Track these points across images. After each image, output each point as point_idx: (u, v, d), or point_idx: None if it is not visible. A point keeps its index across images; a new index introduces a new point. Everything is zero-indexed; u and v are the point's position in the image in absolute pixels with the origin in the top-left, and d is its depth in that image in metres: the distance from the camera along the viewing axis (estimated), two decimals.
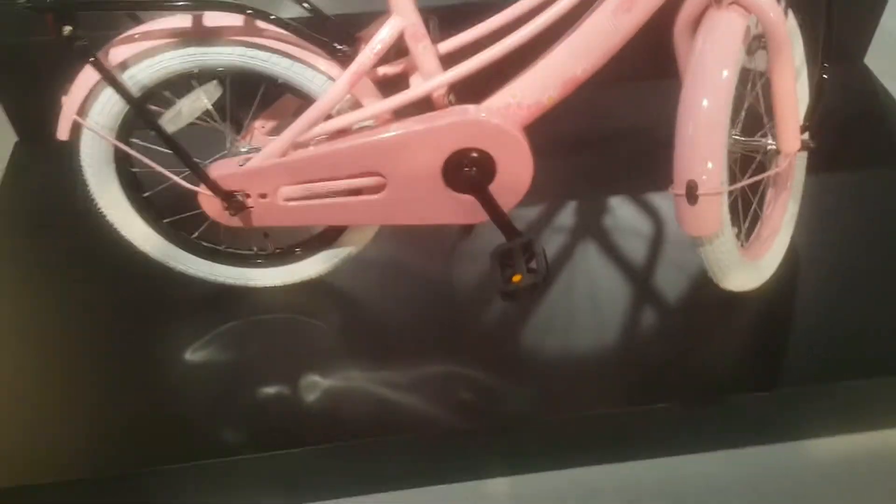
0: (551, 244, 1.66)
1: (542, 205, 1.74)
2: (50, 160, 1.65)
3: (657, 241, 1.67)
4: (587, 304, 1.56)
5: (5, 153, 1.92)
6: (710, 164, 1.22)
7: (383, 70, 1.33)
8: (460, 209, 1.37)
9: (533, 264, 1.34)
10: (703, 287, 1.47)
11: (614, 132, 1.91)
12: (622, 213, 1.73)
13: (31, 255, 1.69)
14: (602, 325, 1.52)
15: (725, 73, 1.21)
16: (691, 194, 1.22)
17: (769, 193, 1.57)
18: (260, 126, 1.41)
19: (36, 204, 1.79)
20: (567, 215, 1.73)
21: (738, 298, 1.48)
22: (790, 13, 1.35)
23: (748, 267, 1.44)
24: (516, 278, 1.32)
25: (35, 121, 1.73)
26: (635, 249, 1.65)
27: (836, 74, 2.03)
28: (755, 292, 1.50)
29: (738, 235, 1.42)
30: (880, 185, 1.78)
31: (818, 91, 1.38)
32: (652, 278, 1.59)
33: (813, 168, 1.61)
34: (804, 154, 1.57)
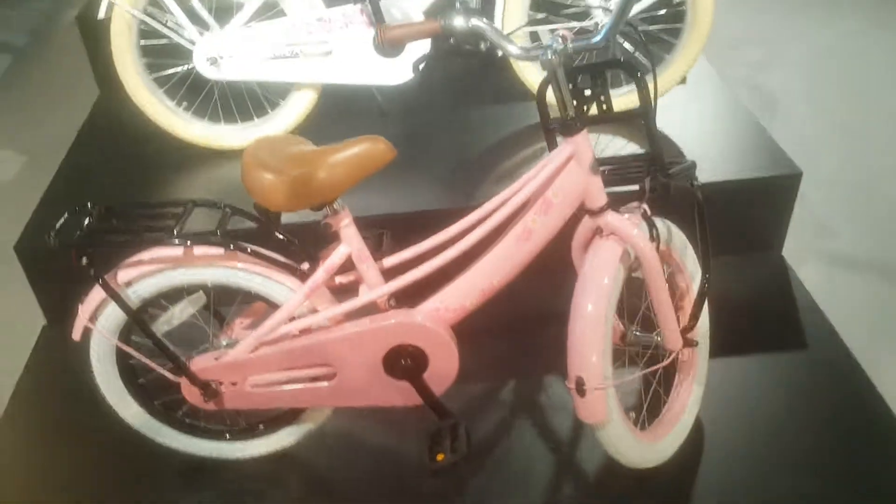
0: (483, 422, 1.90)
1: (478, 385, 1.99)
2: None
3: (575, 420, 1.89)
4: (518, 477, 1.78)
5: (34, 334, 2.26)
6: (594, 362, 1.49)
7: (340, 279, 1.64)
8: (399, 393, 1.64)
9: (457, 445, 1.58)
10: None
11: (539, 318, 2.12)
12: (550, 392, 1.97)
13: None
14: (529, 496, 1.73)
15: (605, 288, 1.50)
16: (580, 388, 1.48)
17: (675, 380, 1.82)
18: (240, 322, 1.71)
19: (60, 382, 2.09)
20: (501, 395, 1.98)
21: (648, 474, 1.69)
22: (674, 227, 1.66)
23: (646, 447, 1.67)
24: (440, 457, 1.56)
25: (61, 310, 2.06)
26: (558, 426, 1.88)
27: (752, 265, 2.34)
28: (663, 467, 1.71)
29: (637, 419, 1.65)
30: (784, 369, 2.01)
31: (700, 299, 1.66)
32: (572, 453, 1.81)
33: (725, 352, 1.85)
34: (706, 343, 1.83)
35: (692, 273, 1.75)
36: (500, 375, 2.02)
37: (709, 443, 1.81)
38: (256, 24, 2.24)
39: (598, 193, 1.52)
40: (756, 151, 2.29)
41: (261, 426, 1.78)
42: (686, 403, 1.80)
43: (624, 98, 2.35)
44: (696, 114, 2.51)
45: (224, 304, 1.69)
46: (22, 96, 3.74)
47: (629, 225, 1.52)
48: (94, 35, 2.68)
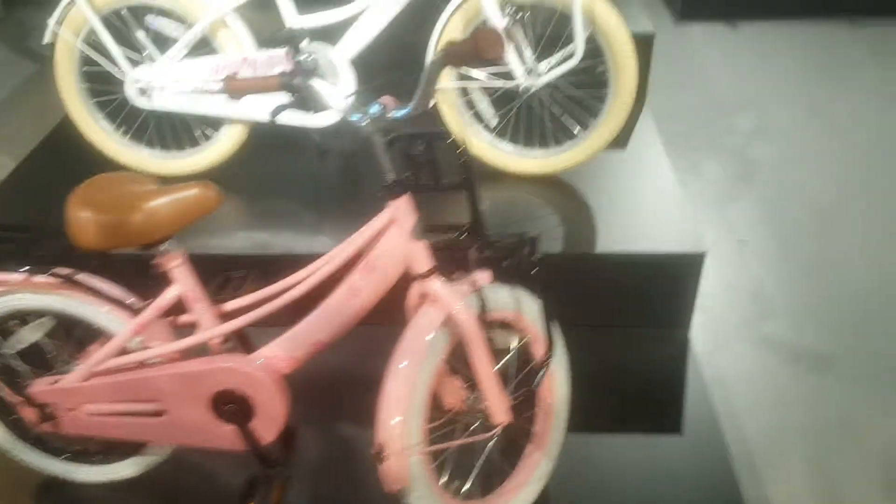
0: (312, 473, 1.89)
1: (311, 437, 1.97)
2: None
3: None
4: None
5: None
6: (396, 428, 1.47)
7: (184, 319, 1.67)
8: (227, 437, 1.65)
9: (270, 496, 1.59)
10: None
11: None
12: None
13: None
14: None
15: (417, 356, 1.49)
16: (379, 455, 1.47)
17: (524, 450, 1.78)
18: (91, 349, 1.76)
19: None
20: (333, 447, 1.97)
21: None
22: (526, 296, 1.64)
23: None
24: None
25: None
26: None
27: (654, 342, 2.28)
28: None
29: (459, 490, 1.62)
30: (657, 452, 1.94)
31: (526, 380, 1.63)
32: None
33: (598, 428, 1.80)
34: (562, 416, 1.78)
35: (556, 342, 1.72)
36: (336, 427, 2.02)
37: None
38: (187, 59, 2.32)
39: (421, 259, 1.51)
40: (667, 226, 2.23)
41: (107, 454, 1.82)
42: (531, 476, 1.76)
43: (566, 155, 2.36)
44: (622, 181, 2.47)
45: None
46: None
47: (451, 294, 1.50)
48: None
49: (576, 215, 2.33)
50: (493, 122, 2.44)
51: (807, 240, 2.90)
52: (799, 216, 3.03)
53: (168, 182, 1.55)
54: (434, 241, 1.53)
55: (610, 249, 2.16)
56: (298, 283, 1.59)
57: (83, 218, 1.45)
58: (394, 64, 2.19)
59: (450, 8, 2.24)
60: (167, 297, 1.58)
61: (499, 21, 2.17)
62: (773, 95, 3.98)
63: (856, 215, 3.04)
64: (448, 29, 2.26)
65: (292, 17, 2.26)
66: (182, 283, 1.58)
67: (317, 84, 1.44)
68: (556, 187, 2.44)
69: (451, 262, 1.56)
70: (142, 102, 2.36)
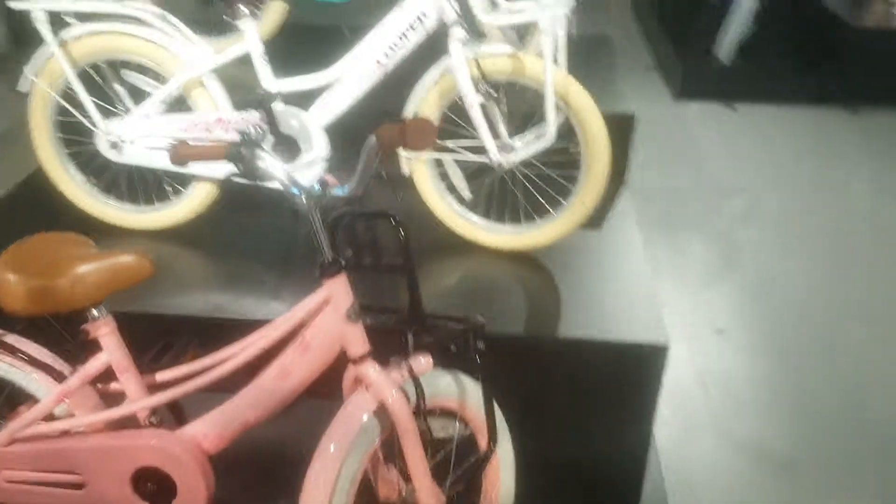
0: None
1: None
2: None
3: None
4: None
5: None
6: None
7: (114, 386, 1.61)
8: None
9: None
10: None
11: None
12: None
13: None
14: None
15: (343, 444, 1.42)
16: None
17: None
18: (24, 410, 1.69)
19: None
20: None
21: None
22: (471, 384, 1.58)
23: None
24: None
25: None
26: None
27: (617, 437, 2.17)
28: None
29: None
30: None
31: (476, 464, 1.55)
32: None
33: None
34: None
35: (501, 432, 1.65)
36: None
37: None
38: (159, 114, 2.31)
39: (357, 342, 1.45)
40: (632, 314, 2.16)
41: None
42: None
43: (536, 233, 2.31)
44: (591, 263, 2.42)
45: None
46: None
47: (385, 381, 1.44)
48: None
49: (539, 296, 2.27)
50: (466, 194, 2.41)
51: (785, 332, 2.84)
52: (779, 306, 2.96)
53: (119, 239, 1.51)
54: (371, 324, 1.48)
55: (569, 334, 2.09)
56: (232, 356, 1.53)
57: (9, 281, 1.40)
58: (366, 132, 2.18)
59: (426, 81, 2.23)
60: (94, 364, 1.53)
61: (472, 97, 2.15)
62: (766, 179, 3.96)
63: (838, 310, 2.97)
64: (425, 101, 2.24)
65: (269, 80, 2.25)
66: (110, 350, 1.53)
67: (262, 156, 1.41)
68: (524, 264, 2.38)
69: (390, 346, 1.50)
70: (112, 155, 2.34)
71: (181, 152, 1.46)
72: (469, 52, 2.13)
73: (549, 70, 2.05)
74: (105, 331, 1.51)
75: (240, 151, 1.41)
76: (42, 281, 1.41)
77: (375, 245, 1.44)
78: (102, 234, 2.45)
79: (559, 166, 2.33)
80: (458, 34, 2.11)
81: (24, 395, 1.66)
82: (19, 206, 2.70)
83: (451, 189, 2.41)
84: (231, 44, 2.28)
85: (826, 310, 2.96)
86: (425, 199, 2.40)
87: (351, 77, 2.24)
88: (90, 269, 1.43)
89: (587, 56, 2.65)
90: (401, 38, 2.20)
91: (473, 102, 2.16)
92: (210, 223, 2.47)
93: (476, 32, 2.10)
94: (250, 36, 2.20)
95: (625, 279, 2.34)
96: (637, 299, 2.24)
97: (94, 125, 2.31)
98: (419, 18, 2.18)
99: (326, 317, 1.45)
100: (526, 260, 2.40)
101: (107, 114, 2.36)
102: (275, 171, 1.40)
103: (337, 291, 1.43)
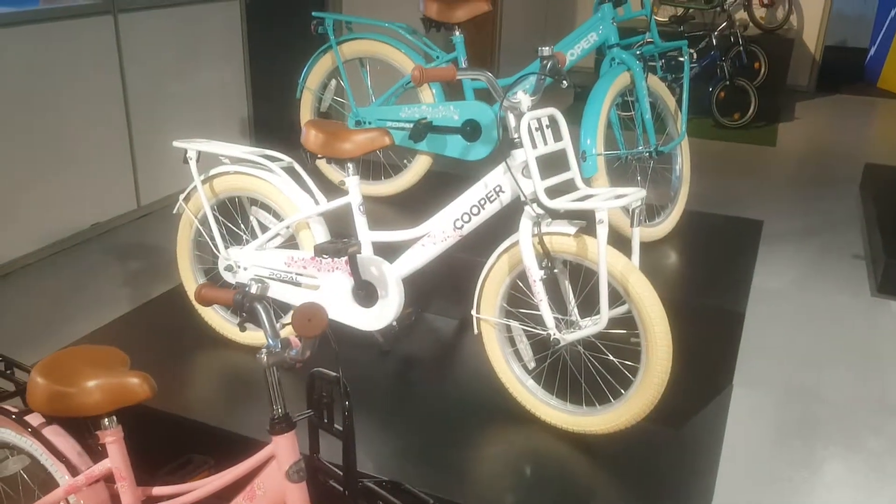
0: None
1: None
2: None
3: None
4: None
5: None
6: None
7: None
8: None
9: None
10: None
11: None
12: None
13: None
14: None
15: None
16: None
17: None
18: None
19: None
20: None
21: None
22: None
23: None
24: None
25: None
26: None
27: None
28: None
29: None
30: None
31: None
32: None
33: None
34: None
35: None
36: None
37: None
38: (272, 248, 2.59)
39: (298, 501, 1.49)
40: None
41: None
42: None
43: (589, 419, 2.21)
44: (639, 471, 2.23)
45: None
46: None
47: None
48: None
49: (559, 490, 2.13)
50: (531, 363, 2.38)
51: None
52: None
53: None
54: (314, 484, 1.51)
55: None
56: (192, 490, 1.65)
57: (37, 383, 1.65)
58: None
59: (499, 249, 2.29)
60: (99, 468, 1.72)
61: (534, 271, 2.16)
62: None
63: None
64: (495, 269, 2.30)
65: (363, 231, 2.46)
66: (113, 459, 1.71)
67: (260, 309, 1.55)
68: (567, 449, 2.26)
69: None
70: (227, 276, 2.66)
71: (202, 293, 1.65)
72: (535, 228, 2.17)
73: (602, 256, 2.02)
74: (110, 440, 1.70)
75: (244, 301, 1.57)
76: (60, 388, 1.64)
77: (329, 408, 1.50)
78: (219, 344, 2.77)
79: (624, 355, 2.23)
80: (529, 211, 2.16)
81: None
82: (158, 311, 3.12)
83: (517, 355, 2.39)
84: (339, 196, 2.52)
85: None
86: (490, 361, 2.41)
87: (433, 236, 2.37)
88: (98, 384, 1.63)
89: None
90: (478, 207, 2.30)
91: (535, 277, 2.17)
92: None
93: (550, 210, 2.14)
94: (353, 190, 2.44)
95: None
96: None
97: (216, 249, 2.66)
98: (496, 191, 2.28)
99: (270, 473, 1.51)
100: (573, 441, 2.28)
101: (238, 240, 2.70)
102: (261, 323, 1.53)
103: (281, 449, 1.49)
